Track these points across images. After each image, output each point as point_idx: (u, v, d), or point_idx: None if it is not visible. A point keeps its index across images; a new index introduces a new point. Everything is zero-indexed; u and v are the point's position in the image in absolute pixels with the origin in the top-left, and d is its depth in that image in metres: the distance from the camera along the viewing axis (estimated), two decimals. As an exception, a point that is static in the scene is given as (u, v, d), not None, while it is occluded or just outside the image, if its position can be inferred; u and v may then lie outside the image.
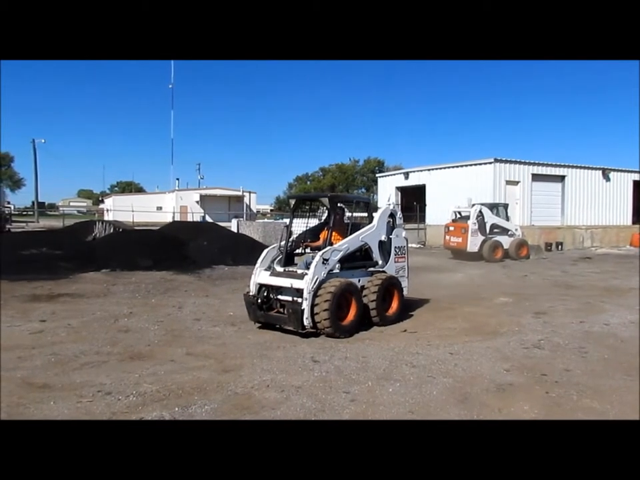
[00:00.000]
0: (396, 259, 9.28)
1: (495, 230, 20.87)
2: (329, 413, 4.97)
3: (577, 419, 4.89)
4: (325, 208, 9.03)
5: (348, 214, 9.31)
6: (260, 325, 8.50)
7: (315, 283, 7.80)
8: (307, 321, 7.75)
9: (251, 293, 8.61)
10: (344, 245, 8.36)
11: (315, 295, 7.75)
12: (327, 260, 7.98)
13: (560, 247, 26.02)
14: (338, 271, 8.23)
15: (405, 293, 9.42)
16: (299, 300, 7.81)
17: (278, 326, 8.24)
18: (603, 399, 5.41)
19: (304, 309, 7.72)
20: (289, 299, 8.04)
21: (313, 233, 9.05)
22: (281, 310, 8.24)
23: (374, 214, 9.18)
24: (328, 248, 8.17)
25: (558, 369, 6.43)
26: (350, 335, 7.91)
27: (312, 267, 7.88)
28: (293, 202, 9.53)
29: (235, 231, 23.32)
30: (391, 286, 8.88)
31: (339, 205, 9.11)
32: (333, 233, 8.68)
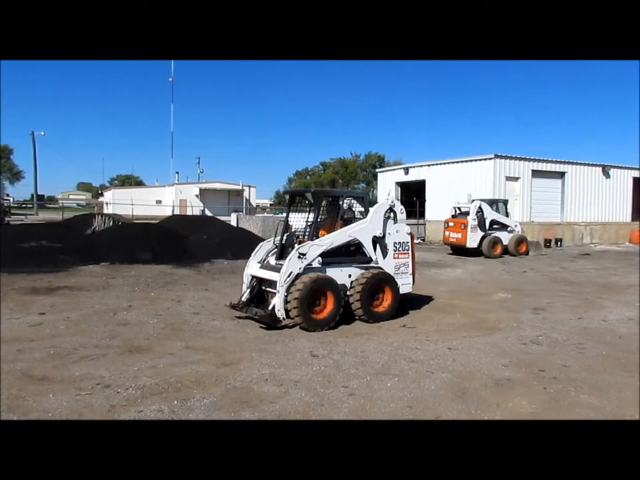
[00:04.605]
0: (396, 255, 9.15)
1: (495, 226, 20.88)
2: (328, 407, 4.98)
3: (575, 416, 4.91)
4: (324, 203, 9.05)
5: (346, 208, 9.29)
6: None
7: (288, 276, 7.93)
8: (279, 313, 7.93)
9: (243, 285, 9.00)
10: (327, 239, 8.38)
11: (289, 288, 7.91)
12: (303, 254, 8.04)
13: (559, 243, 26.02)
14: (319, 265, 8.24)
15: (408, 289, 9.37)
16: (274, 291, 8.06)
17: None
18: (600, 394, 5.43)
19: (275, 302, 7.97)
20: (274, 290, 8.15)
21: (315, 229, 9.05)
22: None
23: (370, 209, 9.15)
24: (307, 242, 8.23)
25: (556, 365, 6.45)
26: (323, 329, 7.91)
27: (287, 260, 8.02)
28: (287, 197, 9.63)
29: (235, 225, 23.31)
30: (381, 282, 8.74)
31: (331, 199, 9.14)
32: (322, 229, 8.77)
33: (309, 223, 8.93)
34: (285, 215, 9.99)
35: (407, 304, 9.56)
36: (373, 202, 12.75)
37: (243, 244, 16.46)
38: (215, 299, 10.34)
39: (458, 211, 21.86)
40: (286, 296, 7.88)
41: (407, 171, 33.04)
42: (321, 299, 8.06)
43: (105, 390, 5.32)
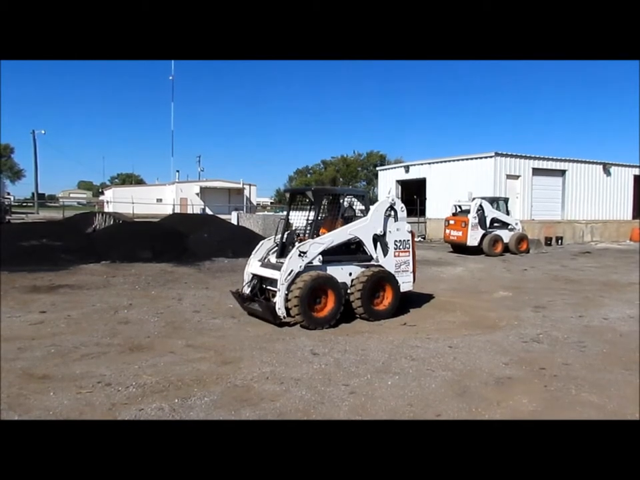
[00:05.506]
0: (397, 253, 9.14)
1: (495, 224, 20.87)
2: (328, 405, 4.99)
3: (576, 414, 4.91)
4: (326, 201, 9.06)
5: (347, 207, 9.30)
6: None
7: (289, 275, 7.93)
8: (279, 311, 7.93)
9: (244, 282, 8.99)
10: (327, 238, 8.37)
11: (290, 286, 7.91)
12: (304, 252, 8.03)
13: (560, 241, 26.01)
14: (319, 263, 8.24)
15: (409, 287, 9.36)
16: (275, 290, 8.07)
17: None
18: (601, 392, 5.44)
19: (276, 300, 7.97)
20: (275, 289, 8.15)
21: (316, 227, 9.06)
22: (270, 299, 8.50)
23: (371, 207, 9.14)
24: (307, 241, 8.24)
25: (557, 363, 6.45)
26: (324, 327, 7.91)
27: (287, 259, 8.03)
28: (288, 195, 9.64)
29: (235, 223, 23.32)
30: (381, 280, 8.73)
31: (331, 197, 9.15)
32: (322, 227, 8.78)
33: (309, 221, 8.92)
34: (285, 213, 9.99)
35: (408, 302, 9.56)
36: (374, 200, 12.76)
37: (244, 242, 16.46)
38: (215, 298, 10.35)
39: (458, 209, 21.86)
40: (287, 294, 7.89)
41: (407, 169, 33.02)
42: (321, 297, 8.06)
43: (105, 388, 5.33)
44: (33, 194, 64.47)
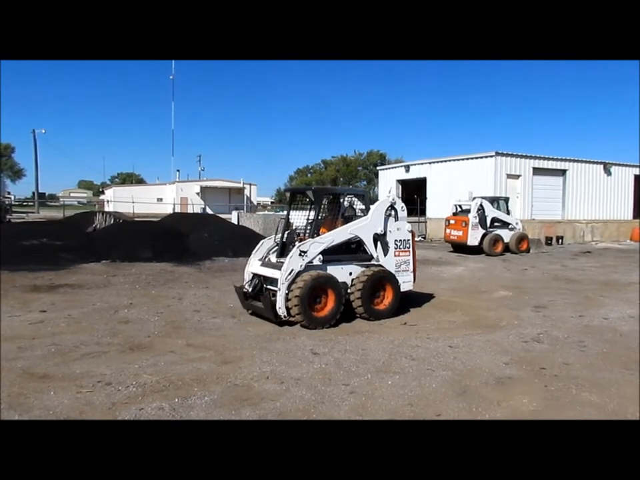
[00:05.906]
0: (397, 253, 9.14)
1: (496, 223, 20.86)
2: (328, 405, 4.99)
3: (576, 413, 4.91)
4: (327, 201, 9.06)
5: (347, 206, 9.30)
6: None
7: (289, 274, 7.93)
8: (280, 311, 7.93)
9: (244, 282, 8.97)
10: (328, 237, 8.37)
11: (290, 286, 7.91)
12: (304, 252, 8.03)
13: (560, 240, 26.00)
14: (320, 263, 8.24)
15: (409, 287, 9.35)
16: (275, 289, 8.07)
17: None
18: (601, 392, 5.44)
19: (276, 299, 7.96)
20: (276, 288, 8.15)
21: (316, 226, 9.06)
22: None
23: (371, 206, 9.13)
24: (307, 240, 8.24)
25: (557, 363, 6.45)
26: (324, 326, 7.91)
27: (287, 258, 8.03)
28: (288, 195, 9.64)
29: (236, 223, 23.32)
30: (382, 280, 8.73)
31: (331, 197, 9.15)
32: (323, 227, 8.79)
33: (309, 221, 8.92)
34: (285, 212, 10.00)
35: (408, 302, 9.56)
36: (374, 200, 12.79)
37: (244, 242, 16.45)
38: (215, 297, 10.36)
39: (459, 209, 21.85)
40: (287, 293, 7.89)
41: (407, 168, 33.02)
42: (321, 297, 8.06)
43: (105, 387, 5.33)
44: (33, 193, 64.48)
